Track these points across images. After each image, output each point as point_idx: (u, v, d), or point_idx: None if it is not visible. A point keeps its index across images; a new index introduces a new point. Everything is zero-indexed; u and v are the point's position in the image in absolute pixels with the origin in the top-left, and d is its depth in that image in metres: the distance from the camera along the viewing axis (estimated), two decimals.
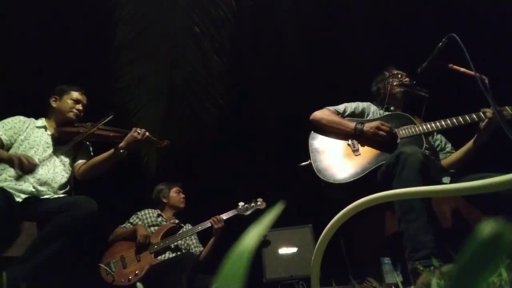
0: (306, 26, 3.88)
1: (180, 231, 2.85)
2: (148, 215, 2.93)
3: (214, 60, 4.02)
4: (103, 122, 2.18)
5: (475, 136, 2.02)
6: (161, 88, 4.08)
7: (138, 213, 2.95)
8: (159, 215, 2.96)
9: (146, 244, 2.65)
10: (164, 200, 3.04)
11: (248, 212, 2.82)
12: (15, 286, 1.50)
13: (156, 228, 2.84)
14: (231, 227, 2.82)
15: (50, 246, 1.71)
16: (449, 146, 2.24)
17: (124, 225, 2.88)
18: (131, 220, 2.91)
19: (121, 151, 2.12)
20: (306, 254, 2.96)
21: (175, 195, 3.05)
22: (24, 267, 1.66)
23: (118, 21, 3.75)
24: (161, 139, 2.31)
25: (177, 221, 2.96)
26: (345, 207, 0.56)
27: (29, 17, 3.44)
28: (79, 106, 2.24)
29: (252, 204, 2.85)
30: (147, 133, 2.18)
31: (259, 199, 2.89)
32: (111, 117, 2.18)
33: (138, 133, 2.14)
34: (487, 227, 0.19)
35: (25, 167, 1.81)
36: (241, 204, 2.86)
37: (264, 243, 3.05)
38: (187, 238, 2.90)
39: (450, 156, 2.16)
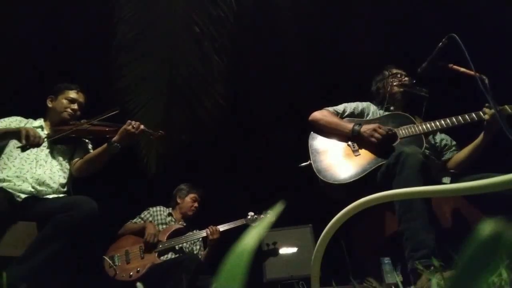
0: (306, 26, 3.88)
1: (187, 234, 2.85)
2: (159, 212, 2.93)
3: (214, 60, 4.02)
4: (99, 118, 2.15)
5: (481, 135, 2.01)
6: (161, 88, 4.08)
7: (150, 208, 2.96)
8: (169, 214, 2.96)
9: (154, 243, 2.66)
10: (178, 201, 3.05)
11: (257, 223, 2.80)
12: (15, 286, 1.50)
13: (164, 226, 2.84)
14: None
15: (50, 246, 1.71)
16: (454, 144, 2.23)
17: (135, 220, 2.89)
18: (142, 216, 2.91)
19: (115, 144, 2.08)
20: (306, 254, 2.96)
21: (189, 200, 3.04)
22: (24, 267, 1.65)
23: (118, 21, 3.75)
24: (155, 130, 2.27)
25: (185, 223, 2.95)
26: (345, 207, 0.56)
27: (29, 17, 3.44)
28: (74, 106, 2.21)
29: (262, 216, 2.85)
30: (141, 126, 2.13)
31: (269, 212, 2.88)
32: (115, 112, 2.15)
33: (133, 127, 2.09)
34: (487, 227, 0.19)
35: (31, 140, 1.83)
36: (250, 214, 2.85)
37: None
38: (193, 242, 2.90)
39: (457, 155, 2.14)
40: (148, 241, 2.64)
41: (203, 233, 2.77)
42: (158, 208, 2.97)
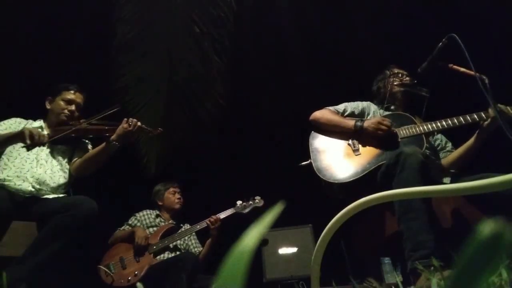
0: (306, 26, 3.88)
1: (179, 231, 2.85)
2: (147, 216, 2.92)
3: (214, 60, 4.03)
4: (98, 117, 2.16)
5: (475, 135, 2.02)
6: (161, 88, 4.09)
7: (137, 214, 2.94)
8: (157, 216, 2.95)
9: (144, 246, 2.65)
10: (160, 203, 3.03)
11: (247, 210, 2.82)
12: (15, 286, 1.51)
13: (155, 229, 2.83)
14: (230, 227, 2.82)
15: (50, 246, 1.71)
16: (449, 145, 2.24)
17: (123, 227, 2.88)
18: (129, 222, 2.90)
19: (113, 143, 2.08)
20: (306, 254, 2.96)
21: (170, 195, 3.02)
22: (24, 267, 1.65)
23: (118, 21, 3.75)
24: (154, 127, 2.27)
25: (175, 222, 2.95)
26: (345, 207, 0.56)
27: (29, 17, 3.44)
28: (71, 107, 2.20)
29: (250, 202, 2.85)
30: (138, 123, 2.13)
31: (257, 197, 2.89)
32: (116, 109, 2.16)
33: (129, 125, 2.10)
34: (487, 227, 0.19)
35: (35, 139, 1.83)
36: (239, 202, 2.86)
37: (262, 242, 3.05)
38: (186, 238, 2.90)
39: (451, 155, 2.16)
40: (138, 244, 2.63)
41: (204, 224, 2.76)
42: (144, 212, 2.95)
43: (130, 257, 2.64)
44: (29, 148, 1.87)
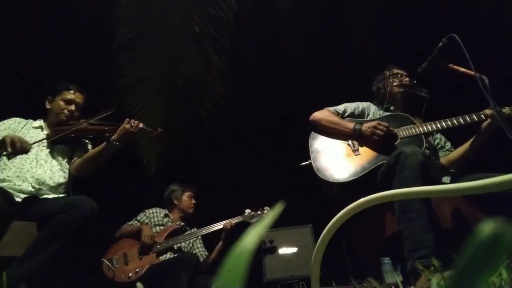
0: (306, 26, 3.88)
1: (185, 233, 2.86)
2: (156, 214, 2.93)
3: (214, 60, 4.03)
4: (97, 118, 2.16)
5: (475, 135, 2.02)
6: (161, 88, 4.09)
7: (146, 211, 2.96)
8: (166, 215, 2.96)
9: (150, 245, 2.66)
10: (175, 202, 3.05)
11: (254, 220, 2.81)
12: (15, 286, 1.51)
13: (161, 227, 2.84)
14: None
15: (50, 246, 1.71)
16: (448, 145, 2.24)
17: (131, 222, 2.89)
18: (138, 218, 2.91)
19: (113, 143, 2.08)
20: (306, 254, 2.96)
21: (187, 199, 3.06)
22: (24, 267, 1.65)
23: (118, 21, 3.75)
24: (154, 128, 2.27)
25: (182, 223, 2.96)
26: (345, 207, 0.56)
27: (29, 17, 3.44)
28: (71, 107, 2.20)
29: (259, 212, 2.85)
30: (140, 125, 2.14)
31: (266, 208, 2.89)
32: (110, 112, 2.16)
33: (131, 126, 2.10)
34: (487, 227, 0.19)
35: (17, 146, 1.79)
36: (247, 211, 2.86)
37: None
38: (192, 242, 2.91)
39: (450, 154, 2.16)
40: (144, 243, 2.64)
41: (220, 226, 2.78)
42: (154, 210, 2.97)
43: (133, 254, 2.65)
44: (10, 156, 1.82)
